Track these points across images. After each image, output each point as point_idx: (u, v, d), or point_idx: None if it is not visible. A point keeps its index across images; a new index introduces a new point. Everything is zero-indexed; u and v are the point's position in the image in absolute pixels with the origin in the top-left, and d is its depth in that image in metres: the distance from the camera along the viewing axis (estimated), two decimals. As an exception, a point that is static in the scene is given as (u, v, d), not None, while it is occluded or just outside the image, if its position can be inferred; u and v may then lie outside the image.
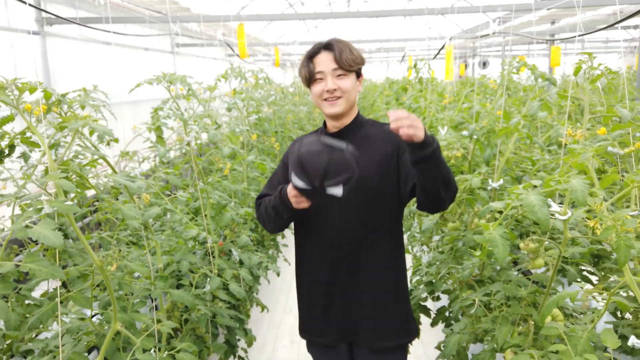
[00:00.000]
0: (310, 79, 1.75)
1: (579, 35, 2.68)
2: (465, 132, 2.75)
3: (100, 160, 1.72)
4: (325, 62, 1.70)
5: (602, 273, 2.20)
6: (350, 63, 1.69)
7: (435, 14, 3.94)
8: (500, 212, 2.25)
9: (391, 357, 1.87)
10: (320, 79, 1.72)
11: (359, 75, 1.79)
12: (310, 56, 1.75)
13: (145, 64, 7.13)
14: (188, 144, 2.50)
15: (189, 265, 2.30)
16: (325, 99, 1.72)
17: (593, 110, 1.95)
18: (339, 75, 1.70)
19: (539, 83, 2.56)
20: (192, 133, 2.69)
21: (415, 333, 1.92)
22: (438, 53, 5.83)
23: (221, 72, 3.79)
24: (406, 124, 1.36)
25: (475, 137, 2.48)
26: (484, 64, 16.65)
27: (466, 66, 17.20)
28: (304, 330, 1.97)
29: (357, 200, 1.70)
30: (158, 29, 7.36)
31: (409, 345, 1.96)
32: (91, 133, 1.75)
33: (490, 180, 2.22)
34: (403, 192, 1.70)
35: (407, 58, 9.71)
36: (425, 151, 1.41)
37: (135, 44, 6.88)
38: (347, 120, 1.78)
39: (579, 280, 2.17)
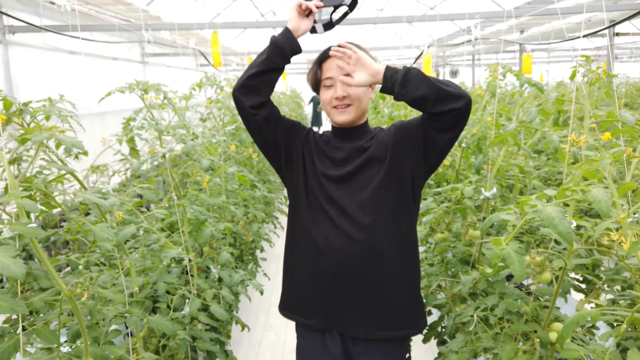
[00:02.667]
0: (317, 85, 1.67)
1: (566, 41, 2.64)
2: (452, 140, 2.67)
3: (69, 176, 1.56)
4: (335, 67, 1.60)
5: (599, 283, 2.13)
6: None
7: (414, 21, 3.89)
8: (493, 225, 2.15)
9: (389, 350, 1.66)
10: (330, 85, 1.63)
11: None
12: (320, 61, 1.65)
13: (114, 74, 6.90)
14: (163, 156, 2.34)
15: (166, 286, 2.14)
16: (335, 107, 1.63)
17: (587, 115, 1.90)
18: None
19: (525, 89, 2.50)
20: (169, 145, 2.54)
21: (421, 325, 1.72)
22: (415, 61, 5.80)
23: (193, 82, 3.64)
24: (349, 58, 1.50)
25: (464, 145, 2.40)
26: (454, 73, 16.86)
27: (437, 75, 17.39)
28: (285, 308, 1.79)
29: (362, 185, 1.62)
30: (127, 39, 7.14)
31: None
32: (57, 146, 1.59)
33: (483, 189, 2.14)
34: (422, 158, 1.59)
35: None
36: (391, 84, 1.45)
37: (103, 54, 6.65)
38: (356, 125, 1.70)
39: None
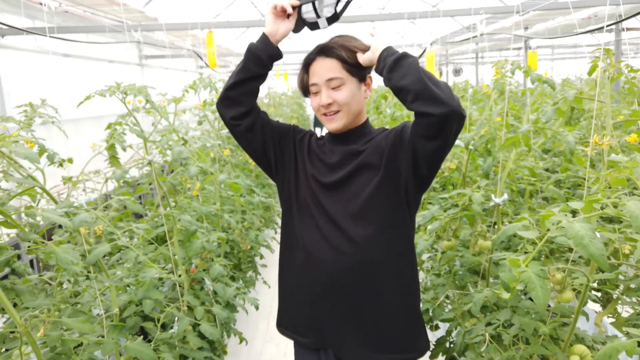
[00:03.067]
0: (306, 90, 1.56)
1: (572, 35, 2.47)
2: (458, 142, 2.51)
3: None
4: (318, 72, 1.48)
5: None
6: (348, 67, 1.46)
7: (416, 18, 3.73)
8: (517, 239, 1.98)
9: None
10: (316, 92, 1.51)
11: (364, 78, 1.53)
12: (306, 64, 1.53)
13: (110, 76, 6.74)
14: (149, 163, 2.19)
15: (153, 303, 1.98)
16: (324, 114, 1.52)
17: (609, 115, 1.73)
18: (335, 87, 1.47)
19: (536, 87, 2.34)
20: (155, 151, 2.39)
21: (423, 349, 1.57)
22: (419, 58, 5.64)
23: (190, 84, 3.49)
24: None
25: (471, 147, 2.23)
26: (457, 72, 16.66)
27: (440, 74, 17.20)
28: (281, 325, 1.72)
29: (355, 195, 1.48)
30: (123, 41, 7.00)
31: None
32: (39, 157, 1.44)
33: (492, 195, 1.98)
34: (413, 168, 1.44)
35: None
36: (382, 65, 1.36)
37: (99, 56, 6.50)
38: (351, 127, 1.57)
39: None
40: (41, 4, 4.38)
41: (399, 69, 1.31)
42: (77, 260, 1.13)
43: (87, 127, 5.70)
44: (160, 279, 2.43)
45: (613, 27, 6.99)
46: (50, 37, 3.15)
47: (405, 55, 1.33)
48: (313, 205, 1.53)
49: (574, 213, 1.04)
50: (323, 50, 1.48)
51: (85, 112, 5.57)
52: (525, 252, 1.33)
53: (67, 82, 5.53)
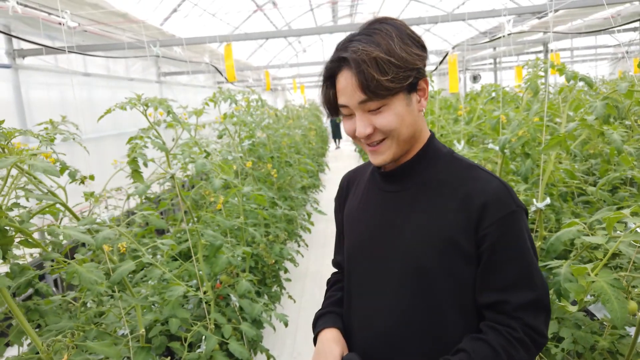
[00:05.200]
0: (334, 109, 1.14)
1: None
2: (491, 145, 2.40)
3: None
4: (347, 89, 1.06)
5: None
6: (385, 86, 1.01)
7: (438, 22, 3.64)
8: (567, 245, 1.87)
9: None
10: (348, 115, 1.11)
11: (414, 86, 1.08)
12: (329, 75, 1.11)
13: (130, 94, 6.79)
14: (172, 176, 2.13)
15: (179, 322, 1.91)
16: (367, 144, 1.12)
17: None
18: (375, 109, 1.05)
19: (574, 85, 2.22)
20: (178, 164, 2.33)
21: None
22: (440, 63, 5.54)
23: (209, 97, 3.46)
24: None
25: (506, 151, 2.12)
26: (475, 78, 16.49)
27: (459, 80, 17.03)
28: None
29: (402, 284, 1.11)
30: (142, 59, 7.06)
31: None
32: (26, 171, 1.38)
33: (534, 200, 1.86)
34: (482, 299, 1.09)
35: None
36: None
37: (119, 74, 6.55)
38: (408, 155, 1.15)
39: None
40: (60, 24, 4.41)
41: None
42: (101, 279, 1.06)
43: (107, 145, 5.71)
44: (185, 296, 2.36)
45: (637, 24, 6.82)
46: (69, 52, 3.14)
47: None
48: None
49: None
50: (347, 60, 1.05)
51: (105, 129, 5.59)
52: (589, 261, 1.21)
53: (87, 101, 5.56)
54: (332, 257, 1.43)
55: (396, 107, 1.05)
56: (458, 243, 1.05)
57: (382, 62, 1.01)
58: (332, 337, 1.17)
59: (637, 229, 0.88)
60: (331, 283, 1.40)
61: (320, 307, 1.35)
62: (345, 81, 1.06)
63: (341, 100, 1.09)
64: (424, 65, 1.09)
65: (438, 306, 1.08)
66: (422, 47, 1.09)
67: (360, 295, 1.18)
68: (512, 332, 1.03)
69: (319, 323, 1.24)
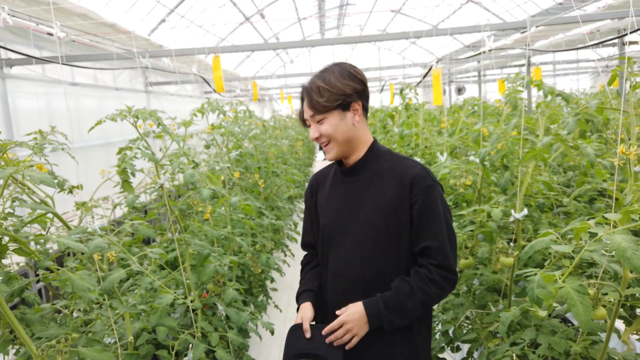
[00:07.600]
0: (304, 123, 1.70)
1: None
2: (472, 157, 2.47)
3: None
4: (306, 107, 1.62)
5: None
6: (322, 105, 1.55)
7: (421, 37, 3.73)
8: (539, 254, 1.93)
9: None
10: (308, 125, 1.66)
11: (347, 106, 1.57)
12: (301, 98, 1.67)
13: (117, 104, 6.79)
14: (161, 186, 2.17)
15: (166, 330, 1.94)
16: (320, 144, 1.66)
17: (634, 124, 1.70)
18: (319, 121, 1.58)
19: (551, 100, 2.31)
20: (167, 175, 2.36)
21: None
22: (425, 76, 5.64)
23: (198, 108, 3.49)
24: (340, 335, 1.49)
25: (486, 163, 2.20)
26: (460, 90, 16.72)
27: (443, 93, 17.23)
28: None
29: (364, 241, 1.60)
30: (129, 69, 7.07)
31: None
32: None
33: (512, 211, 1.93)
34: (414, 248, 1.58)
35: (388, 87, 9.57)
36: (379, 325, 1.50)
37: (106, 84, 6.56)
38: (357, 155, 1.65)
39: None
40: (49, 34, 4.42)
41: (393, 324, 1.51)
42: (94, 287, 1.09)
43: (95, 154, 5.70)
44: (172, 304, 2.38)
45: (616, 41, 7.01)
46: (63, 64, 3.17)
47: (382, 318, 1.50)
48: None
49: (615, 226, 1.00)
50: (303, 91, 1.62)
51: (92, 139, 5.59)
52: (558, 268, 1.28)
53: (74, 110, 5.56)
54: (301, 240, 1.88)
55: (332, 119, 1.56)
56: (398, 208, 1.54)
57: (321, 89, 1.54)
58: (308, 307, 1.65)
59: (604, 236, 0.95)
60: (304, 263, 1.84)
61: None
62: (305, 102, 1.61)
63: (304, 115, 1.63)
64: (358, 93, 1.57)
65: (386, 253, 1.56)
66: (359, 81, 1.58)
67: (336, 253, 1.64)
68: (427, 274, 1.51)
69: (300, 300, 1.70)
